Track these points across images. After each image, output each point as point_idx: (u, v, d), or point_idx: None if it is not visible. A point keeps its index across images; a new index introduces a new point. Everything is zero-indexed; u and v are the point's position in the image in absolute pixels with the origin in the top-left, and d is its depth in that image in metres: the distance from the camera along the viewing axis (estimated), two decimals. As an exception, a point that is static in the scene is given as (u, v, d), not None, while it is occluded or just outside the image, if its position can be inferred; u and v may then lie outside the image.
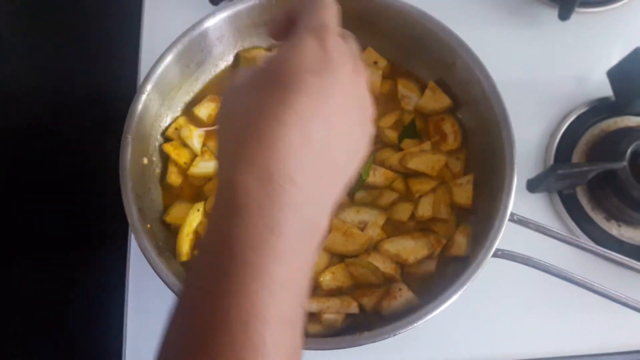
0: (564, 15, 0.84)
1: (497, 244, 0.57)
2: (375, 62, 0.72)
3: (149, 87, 0.61)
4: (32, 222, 0.80)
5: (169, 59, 0.63)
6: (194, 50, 0.66)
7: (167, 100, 0.67)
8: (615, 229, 0.75)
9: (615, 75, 0.79)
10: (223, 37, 0.68)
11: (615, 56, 0.80)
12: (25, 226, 0.80)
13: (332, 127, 0.34)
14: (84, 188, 0.83)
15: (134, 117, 0.60)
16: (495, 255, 0.57)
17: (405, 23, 0.67)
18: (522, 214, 0.71)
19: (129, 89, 0.80)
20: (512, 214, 0.58)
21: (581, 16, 0.86)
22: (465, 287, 0.55)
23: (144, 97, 0.61)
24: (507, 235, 0.59)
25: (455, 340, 0.66)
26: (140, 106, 0.61)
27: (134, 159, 0.61)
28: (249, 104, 0.34)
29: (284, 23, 0.39)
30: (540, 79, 0.83)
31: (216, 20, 0.65)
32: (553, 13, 0.85)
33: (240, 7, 0.65)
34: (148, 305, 0.67)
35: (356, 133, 0.37)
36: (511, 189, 0.58)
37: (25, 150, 0.87)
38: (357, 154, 0.37)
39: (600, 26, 0.87)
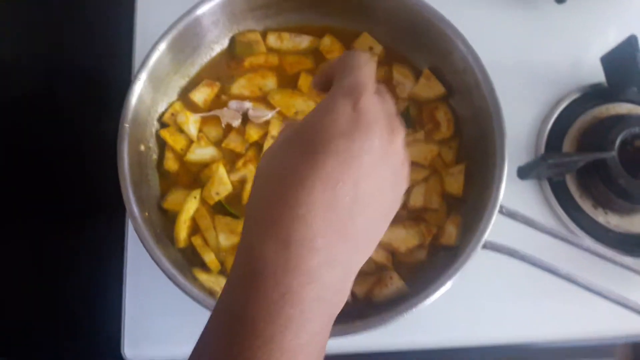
0: (561, -2, 0.84)
1: (486, 236, 0.58)
2: (371, 48, 0.72)
3: (144, 75, 0.61)
4: (27, 201, 0.81)
5: (163, 46, 0.62)
6: (189, 36, 0.65)
7: (162, 86, 0.67)
8: (602, 217, 0.76)
9: (609, 61, 0.79)
10: (218, 22, 0.67)
11: (610, 42, 0.79)
12: (20, 206, 0.81)
13: (361, 191, 0.33)
14: (80, 168, 0.83)
15: (130, 105, 0.60)
16: (483, 246, 0.59)
17: (402, 10, 0.67)
18: (512, 200, 0.73)
19: (124, 69, 0.80)
20: (501, 207, 0.60)
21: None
22: (454, 277, 0.57)
23: (139, 85, 0.61)
24: (496, 227, 0.60)
25: (444, 326, 0.69)
26: (135, 94, 0.61)
27: (131, 146, 0.61)
28: (280, 167, 0.34)
29: (324, 79, 0.40)
30: (534, 62, 0.84)
31: (211, 5, 0.65)
32: (549, -5, 0.84)
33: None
34: (146, 287, 0.69)
35: (387, 195, 0.36)
36: (501, 182, 0.59)
37: (19, 126, 0.87)
38: (387, 215, 0.37)
39: (596, 10, 0.86)
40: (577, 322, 0.70)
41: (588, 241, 0.75)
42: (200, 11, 0.64)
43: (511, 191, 0.75)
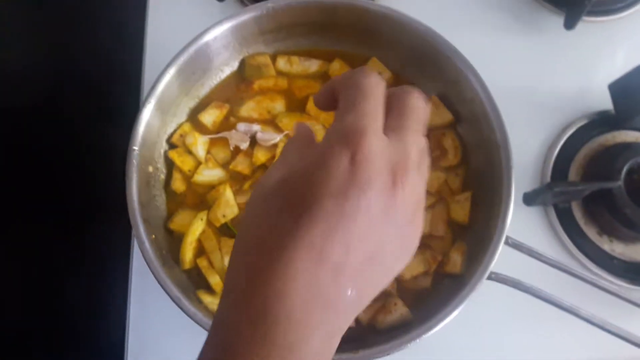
0: (569, 25, 0.84)
1: (490, 268, 0.58)
2: (380, 73, 0.72)
3: (152, 100, 0.61)
4: (32, 209, 0.81)
5: (172, 70, 0.63)
6: (198, 60, 0.66)
7: (172, 108, 0.67)
8: (607, 244, 0.77)
9: (617, 89, 0.80)
10: (228, 45, 0.68)
11: (618, 68, 0.80)
12: (24, 214, 0.81)
13: (352, 259, 0.29)
14: (86, 177, 0.84)
15: (139, 130, 0.61)
16: (488, 277, 0.59)
17: (409, 37, 0.67)
18: (517, 225, 0.73)
19: (133, 80, 0.81)
20: (507, 238, 0.60)
21: (586, 25, 0.85)
22: (458, 309, 0.57)
23: (147, 110, 0.61)
24: (502, 256, 0.60)
25: (446, 352, 0.69)
26: (144, 120, 0.62)
27: (140, 168, 0.62)
28: (263, 225, 0.31)
29: (328, 97, 0.35)
30: (541, 88, 0.84)
31: (222, 30, 0.65)
32: (558, 21, 0.85)
33: (244, 17, 0.65)
34: (150, 301, 0.69)
35: (387, 259, 0.32)
36: (507, 215, 0.59)
37: (24, 132, 0.87)
38: (385, 278, 0.32)
39: (605, 36, 0.86)
40: (579, 353, 0.69)
41: (592, 268, 0.75)
42: (209, 36, 0.64)
43: (517, 216, 0.75)
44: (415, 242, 0.34)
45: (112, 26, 0.89)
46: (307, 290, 0.29)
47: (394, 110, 0.33)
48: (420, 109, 0.34)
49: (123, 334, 0.68)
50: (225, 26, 0.65)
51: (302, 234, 0.29)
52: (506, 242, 0.60)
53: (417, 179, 0.32)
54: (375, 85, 0.33)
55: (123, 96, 0.84)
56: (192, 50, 0.63)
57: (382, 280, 0.32)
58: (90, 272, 0.75)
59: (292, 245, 0.29)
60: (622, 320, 0.59)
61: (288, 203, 0.30)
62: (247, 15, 0.65)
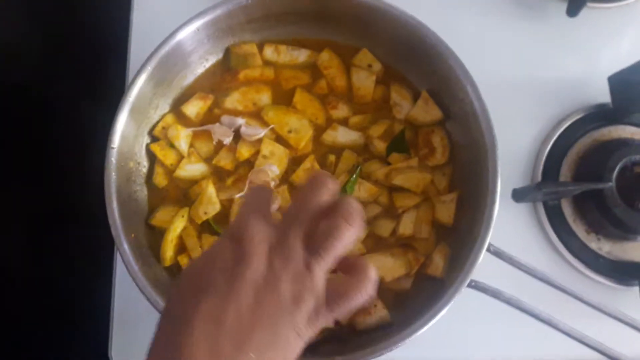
0: (572, 11, 0.81)
1: (471, 276, 0.58)
2: (370, 65, 0.70)
3: (127, 105, 0.60)
4: (16, 198, 0.81)
5: (144, 75, 0.61)
6: (173, 59, 0.64)
7: (154, 101, 0.66)
8: (594, 243, 0.76)
9: (617, 82, 0.77)
10: (206, 39, 0.66)
11: (620, 60, 0.77)
12: (8, 203, 0.80)
13: (245, 321, 0.34)
14: (72, 164, 0.83)
15: (117, 128, 0.60)
16: (468, 285, 0.59)
17: (402, 31, 0.65)
18: (505, 221, 0.72)
19: (120, 63, 0.79)
20: (489, 245, 0.59)
21: (590, 11, 0.82)
22: (438, 317, 0.57)
23: (124, 113, 0.60)
24: (484, 263, 0.60)
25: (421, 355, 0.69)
26: (122, 120, 0.60)
27: (119, 165, 0.61)
28: (175, 298, 0.37)
29: None
30: (538, 77, 0.81)
31: (194, 27, 0.63)
32: (561, 6, 0.81)
33: (221, 10, 0.63)
34: (135, 292, 0.69)
35: (278, 331, 0.36)
36: (490, 223, 0.58)
37: (13, 115, 0.86)
38: (284, 344, 0.36)
39: (609, 24, 0.83)
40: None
41: (577, 266, 0.75)
42: (181, 35, 0.62)
43: (505, 212, 0.73)
44: (297, 323, 0.37)
45: (99, 6, 0.86)
46: (211, 354, 0.33)
47: (322, 225, 0.39)
48: (338, 240, 0.38)
49: (107, 330, 0.69)
50: (198, 23, 0.62)
51: (201, 307, 0.34)
52: (488, 249, 0.59)
53: (298, 257, 0.37)
54: (260, 192, 0.43)
55: (109, 77, 0.82)
56: (162, 52, 0.61)
57: (284, 344, 0.36)
58: (75, 268, 0.75)
59: (194, 316, 0.34)
60: (600, 331, 0.59)
61: (192, 283, 0.36)
62: (226, 7, 0.62)
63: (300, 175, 0.66)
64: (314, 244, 0.38)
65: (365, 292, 0.39)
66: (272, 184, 0.64)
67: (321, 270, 0.37)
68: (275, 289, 0.35)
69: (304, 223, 0.38)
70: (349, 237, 0.38)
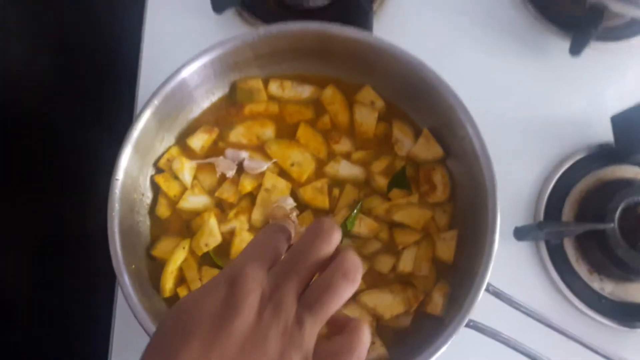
0: (575, 50, 0.82)
1: (469, 316, 0.58)
2: (372, 102, 0.71)
3: (129, 143, 0.61)
4: (22, 219, 0.81)
5: (148, 112, 0.62)
6: (177, 96, 0.65)
7: (160, 133, 0.67)
8: (597, 283, 0.75)
9: (620, 122, 0.78)
10: (211, 75, 0.67)
11: (624, 99, 0.78)
12: (15, 223, 0.81)
13: None
14: (76, 191, 0.84)
15: (123, 159, 0.61)
16: (467, 325, 0.58)
17: (404, 70, 0.65)
18: (506, 259, 0.72)
19: (130, 92, 0.80)
20: (488, 285, 0.59)
21: (593, 51, 0.83)
22: (434, 357, 0.57)
23: (132, 141, 0.61)
24: (485, 303, 0.60)
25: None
26: (130, 148, 0.61)
27: (123, 196, 0.62)
28: (159, 339, 0.36)
29: None
30: (540, 115, 0.82)
31: (211, 58, 0.64)
32: (564, 45, 0.82)
33: (229, 47, 0.64)
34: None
35: None
36: (489, 261, 0.58)
37: (19, 140, 0.87)
38: None
39: (613, 63, 0.84)
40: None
41: (579, 306, 0.74)
42: (185, 73, 0.63)
43: (506, 250, 0.74)
44: None
45: (110, 32, 0.88)
46: None
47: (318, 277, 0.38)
48: (335, 296, 0.37)
49: (108, 339, 0.69)
50: (205, 59, 0.64)
51: (184, 352, 0.33)
52: (487, 290, 0.59)
53: (291, 310, 0.36)
54: (271, 235, 0.40)
55: (118, 105, 0.84)
56: (168, 88, 0.62)
57: None
58: (75, 295, 0.75)
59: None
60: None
61: (173, 328, 0.35)
62: (234, 43, 0.64)
63: (308, 192, 0.66)
64: (309, 298, 0.37)
65: (357, 354, 0.37)
66: (294, 214, 0.64)
67: (313, 327, 0.36)
68: (261, 342, 0.34)
69: (301, 274, 0.37)
70: (345, 294, 0.37)
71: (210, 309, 0.35)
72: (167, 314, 0.37)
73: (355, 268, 0.38)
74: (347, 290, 0.37)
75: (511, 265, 0.75)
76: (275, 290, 0.36)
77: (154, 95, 0.62)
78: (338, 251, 0.39)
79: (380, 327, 0.65)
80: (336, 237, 0.39)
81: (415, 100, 0.68)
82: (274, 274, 0.37)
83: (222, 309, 0.35)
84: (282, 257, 0.41)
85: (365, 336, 0.38)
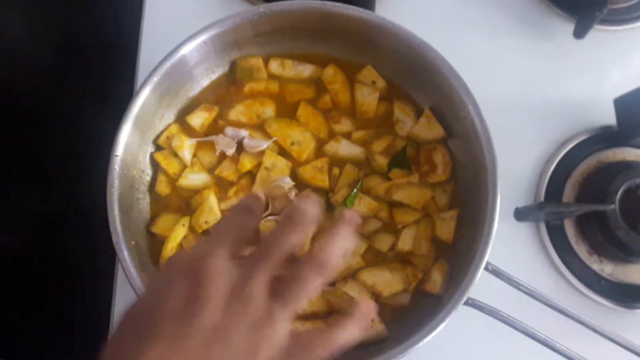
0: (579, 33, 0.81)
1: (468, 294, 0.58)
2: (374, 82, 0.70)
3: (130, 118, 0.61)
4: (20, 198, 0.82)
5: (147, 88, 0.62)
6: (177, 73, 0.65)
7: (159, 111, 0.67)
8: (596, 264, 0.76)
9: (623, 104, 0.77)
10: (218, 49, 0.67)
11: (628, 82, 0.77)
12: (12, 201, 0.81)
13: None
14: (77, 167, 0.84)
15: (123, 135, 0.61)
16: (465, 303, 0.58)
17: (406, 50, 0.65)
18: (507, 240, 0.73)
19: (130, 68, 0.80)
20: (487, 264, 0.59)
21: (598, 34, 0.82)
22: (433, 334, 0.57)
23: (132, 116, 0.61)
24: (484, 282, 0.60)
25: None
26: (129, 124, 0.61)
27: (123, 172, 0.62)
28: (116, 342, 0.34)
29: None
30: (543, 97, 0.82)
31: (210, 35, 0.64)
32: (568, 27, 0.82)
33: (229, 24, 0.64)
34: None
35: None
36: (488, 242, 0.58)
37: (17, 118, 0.87)
38: None
39: (617, 47, 0.83)
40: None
41: (579, 287, 0.75)
42: (185, 50, 0.63)
43: (507, 230, 0.75)
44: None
45: (111, 8, 0.87)
46: None
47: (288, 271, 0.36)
48: (306, 289, 0.35)
49: (107, 335, 0.69)
50: (205, 36, 0.63)
51: (147, 355, 0.31)
52: (486, 268, 0.59)
53: (260, 303, 0.34)
54: (236, 217, 0.38)
55: (118, 82, 0.83)
56: (168, 64, 0.62)
57: None
58: (76, 271, 0.75)
59: None
60: (600, 355, 0.58)
61: (134, 328, 0.33)
62: (233, 21, 0.63)
63: (308, 171, 0.67)
64: (279, 289, 0.35)
65: (330, 344, 0.36)
66: (293, 193, 0.64)
67: (284, 319, 0.34)
68: (229, 340, 0.32)
69: (271, 265, 0.35)
70: (316, 284, 0.36)
71: (173, 306, 0.32)
72: (129, 312, 0.35)
73: (325, 258, 0.36)
74: (317, 280, 0.36)
75: (511, 246, 0.75)
76: (243, 282, 0.34)
77: (153, 71, 0.62)
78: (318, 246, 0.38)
79: (379, 305, 0.65)
80: (311, 221, 0.38)
81: (417, 80, 0.68)
82: (243, 265, 0.35)
83: (186, 306, 0.32)
84: (250, 237, 0.39)
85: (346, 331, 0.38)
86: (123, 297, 0.70)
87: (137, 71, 0.78)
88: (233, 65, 0.71)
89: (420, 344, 0.57)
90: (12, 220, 0.78)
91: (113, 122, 0.64)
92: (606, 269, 0.76)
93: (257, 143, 0.67)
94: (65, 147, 0.84)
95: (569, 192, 0.77)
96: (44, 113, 0.85)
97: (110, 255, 0.71)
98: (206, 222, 0.65)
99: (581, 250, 0.76)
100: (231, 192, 0.67)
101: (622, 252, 0.73)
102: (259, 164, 0.67)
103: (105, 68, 0.87)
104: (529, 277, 0.62)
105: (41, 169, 0.81)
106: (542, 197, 0.77)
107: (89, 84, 0.87)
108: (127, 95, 0.74)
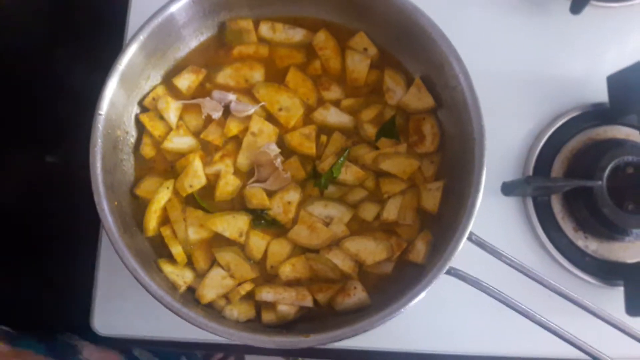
0: (576, 9, 0.80)
1: (450, 263, 0.58)
2: (365, 49, 0.69)
3: (115, 75, 0.60)
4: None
5: (134, 46, 0.61)
6: (165, 32, 0.64)
7: (145, 71, 0.65)
8: (581, 240, 0.76)
9: (615, 82, 0.76)
10: (207, 9, 0.66)
11: (622, 60, 0.76)
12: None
13: None
14: (64, 127, 0.83)
15: (107, 92, 0.60)
16: (447, 272, 0.58)
17: (399, 15, 0.64)
18: (493, 214, 0.73)
19: (119, 29, 0.78)
20: (471, 234, 0.59)
21: (595, 9, 0.81)
22: (414, 301, 0.57)
23: (112, 83, 0.60)
24: (469, 253, 0.60)
25: (398, 337, 0.69)
26: (115, 81, 0.60)
27: (106, 132, 0.61)
28: None
29: None
30: (536, 72, 0.81)
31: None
32: (565, 3, 0.80)
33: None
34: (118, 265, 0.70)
35: None
36: (472, 211, 0.58)
37: (6, 81, 0.86)
38: None
39: (613, 24, 0.82)
40: (532, 350, 0.70)
41: (563, 263, 0.75)
42: (173, 8, 0.62)
43: (493, 204, 0.75)
44: None
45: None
46: None
47: None
48: None
49: (90, 300, 0.69)
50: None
51: None
52: (469, 239, 0.59)
53: None
54: None
55: (107, 43, 0.82)
56: (155, 23, 0.61)
57: None
58: (59, 234, 0.75)
59: None
60: (581, 329, 0.58)
61: None
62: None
63: (295, 138, 0.66)
64: None
65: None
66: (278, 161, 0.64)
67: None
68: None
69: None
70: None
71: None
72: None
73: None
74: None
75: (497, 220, 0.75)
76: None
77: (140, 29, 0.60)
78: None
79: (363, 273, 0.65)
80: None
81: (409, 48, 0.67)
82: None
83: None
84: None
85: None
86: (107, 265, 0.70)
87: (127, 31, 0.76)
88: (222, 27, 0.70)
89: (402, 310, 0.57)
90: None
91: (99, 80, 0.63)
92: (591, 245, 0.76)
93: (244, 107, 0.66)
94: (51, 110, 0.82)
95: (557, 168, 0.77)
96: (36, 76, 0.84)
97: (94, 218, 0.70)
98: (191, 186, 0.65)
99: (567, 227, 0.76)
100: (217, 156, 0.66)
101: (607, 230, 0.73)
102: (246, 129, 0.66)
103: (95, 29, 0.85)
104: (513, 251, 0.61)
105: (27, 131, 0.80)
106: (530, 172, 0.76)
107: (79, 44, 0.86)
108: (115, 55, 0.73)
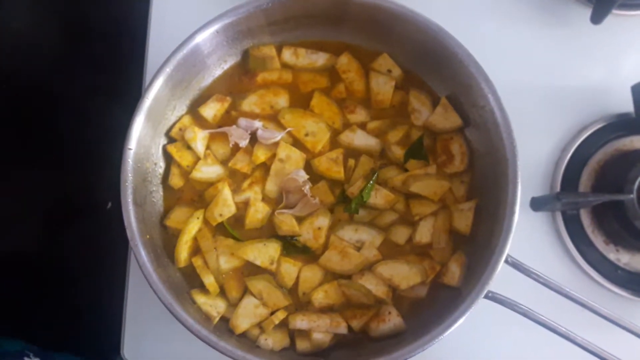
0: (596, 19, 0.79)
1: (488, 287, 0.57)
2: (389, 70, 0.69)
3: (142, 110, 0.60)
4: (35, 194, 0.81)
5: (171, 66, 0.61)
6: (190, 62, 0.63)
7: (171, 103, 0.65)
8: (612, 254, 0.75)
9: (640, 91, 0.76)
10: (230, 38, 0.66)
11: (645, 69, 0.75)
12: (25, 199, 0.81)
13: None
14: (89, 160, 0.83)
15: (135, 128, 0.60)
16: (485, 296, 0.58)
17: (424, 37, 0.64)
18: (523, 229, 0.71)
19: (139, 59, 0.79)
20: (507, 256, 0.58)
21: (616, 19, 0.80)
22: (453, 327, 0.57)
23: (145, 109, 0.60)
24: (501, 274, 0.59)
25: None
26: (142, 116, 0.60)
27: (136, 166, 0.61)
28: None
29: None
30: (560, 85, 0.80)
31: (223, 24, 0.63)
32: (585, 13, 0.80)
33: (241, 13, 0.62)
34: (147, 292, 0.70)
35: None
36: (509, 234, 0.58)
37: (27, 111, 0.86)
38: None
39: (633, 33, 0.81)
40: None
41: (595, 277, 0.74)
42: (199, 38, 0.62)
43: (522, 220, 0.72)
44: None
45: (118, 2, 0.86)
46: None
47: None
48: None
49: (120, 329, 0.69)
50: (217, 25, 0.62)
51: None
52: (506, 261, 0.58)
53: None
54: None
55: (127, 74, 0.82)
56: (180, 55, 0.61)
57: None
58: (88, 266, 0.75)
59: None
60: (617, 345, 0.58)
61: None
62: (246, 9, 0.62)
63: (323, 162, 0.66)
64: None
65: None
66: (307, 187, 0.63)
67: None
68: None
69: None
70: None
71: None
72: None
73: None
74: None
75: (527, 236, 0.75)
76: None
77: (166, 62, 0.60)
78: None
79: (397, 298, 0.65)
80: None
81: (434, 68, 0.67)
82: None
83: None
84: None
85: None
86: (135, 294, 0.70)
87: (146, 63, 0.76)
88: (245, 55, 0.69)
89: (441, 337, 0.57)
90: (22, 213, 0.77)
91: (122, 114, 0.63)
92: (622, 258, 0.75)
93: (271, 134, 0.66)
94: (76, 141, 0.83)
95: (585, 181, 0.76)
96: (52, 106, 0.85)
97: (122, 251, 0.70)
98: (221, 215, 0.64)
99: (597, 240, 0.75)
100: (245, 184, 0.66)
101: (639, 242, 0.72)
102: (273, 156, 0.66)
103: (113, 60, 0.86)
104: (545, 267, 0.61)
105: (52, 163, 0.80)
106: (558, 186, 0.76)
107: (97, 76, 0.86)
108: (135, 86, 0.73)
